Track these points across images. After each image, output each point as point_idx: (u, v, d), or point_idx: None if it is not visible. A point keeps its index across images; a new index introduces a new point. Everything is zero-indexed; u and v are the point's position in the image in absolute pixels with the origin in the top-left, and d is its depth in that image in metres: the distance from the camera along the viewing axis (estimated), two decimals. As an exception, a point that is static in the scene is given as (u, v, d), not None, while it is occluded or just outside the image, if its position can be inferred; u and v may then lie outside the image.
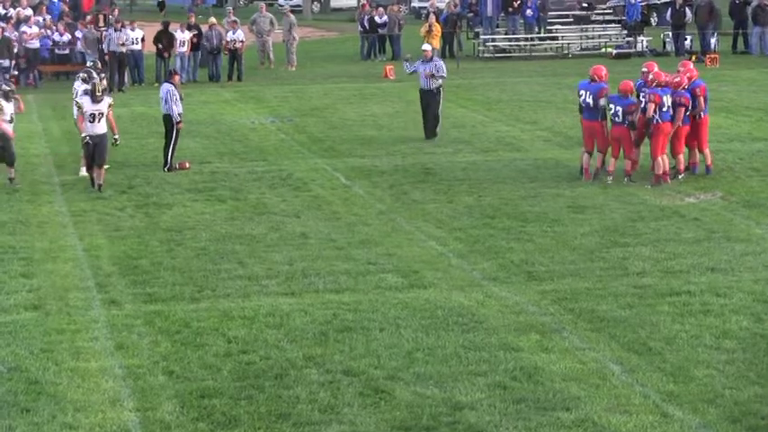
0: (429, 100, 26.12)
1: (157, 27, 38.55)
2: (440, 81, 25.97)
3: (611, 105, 20.91)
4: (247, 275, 15.83)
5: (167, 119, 22.94)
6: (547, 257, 16.51)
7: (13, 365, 12.58)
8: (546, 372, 12.20)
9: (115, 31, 36.32)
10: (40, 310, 14.51)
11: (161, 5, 63.33)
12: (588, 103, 21.21)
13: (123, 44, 36.05)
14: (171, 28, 37.99)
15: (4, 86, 22.09)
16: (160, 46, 37.01)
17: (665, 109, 20.52)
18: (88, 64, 25.10)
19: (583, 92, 21.36)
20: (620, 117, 20.79)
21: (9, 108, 21.60)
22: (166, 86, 23.14)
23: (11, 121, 21.72)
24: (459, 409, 11.31)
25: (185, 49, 37.56)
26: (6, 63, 35.82)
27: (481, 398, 11.55)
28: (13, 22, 38.25)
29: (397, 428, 10.95)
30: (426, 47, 27.05)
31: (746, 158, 23.28)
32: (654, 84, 20.75)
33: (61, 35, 37.59)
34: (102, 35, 36.77)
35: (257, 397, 11.66)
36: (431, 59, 26.33)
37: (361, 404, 11.45)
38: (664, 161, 20.80)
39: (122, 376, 12.27)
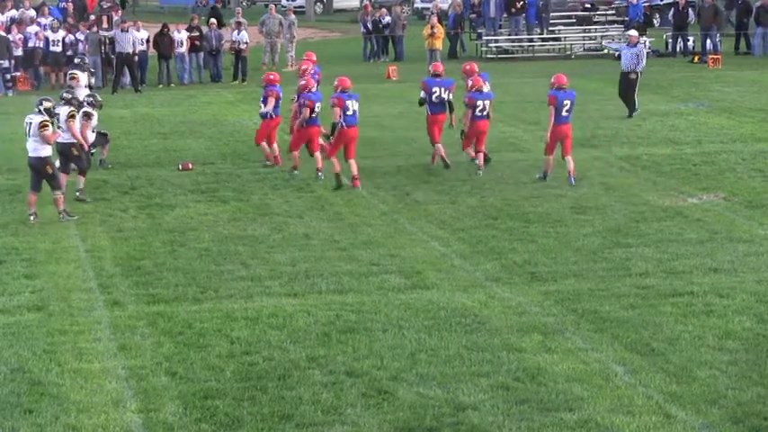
0: (629, 82, 28.42)
1: (157, 28, 38.51)
2: (640, 66, 28.11)
3: (479, 102, 21.94)
4: (250, 276, 15.83)
5: None
6: (549, 258, 16.51)
7: (16, 366, 12.59)
8: (549, 372, 12.20)
9: (122, 32, 36.26)
10: (42, 311, 14.52)
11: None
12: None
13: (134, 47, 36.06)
14: (171, 29, 37.98)
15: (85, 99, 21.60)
16: (159, 48, 37.13)
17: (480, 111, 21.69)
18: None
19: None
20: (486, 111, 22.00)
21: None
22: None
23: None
24: (462, 409, 11.31)
25: (184, 49, 37.58)
26: (6, 64, 35.81)
27: (484, 399, 11.55)
28: (17, 22, 38.23)
29: (400, 429, 10.95)
30: (633, 32, 29.35)
31: (749, 159, 23.25)
32: (473, 89, 22.09)
33: (66, 36, 37.52)
34: (105, 37, 36.73)
35: (260, 398, 11.67)
36: (635, 45, 28.40)
37: (364, 405, 11.46)
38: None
39: (125, 377, 12.28)
